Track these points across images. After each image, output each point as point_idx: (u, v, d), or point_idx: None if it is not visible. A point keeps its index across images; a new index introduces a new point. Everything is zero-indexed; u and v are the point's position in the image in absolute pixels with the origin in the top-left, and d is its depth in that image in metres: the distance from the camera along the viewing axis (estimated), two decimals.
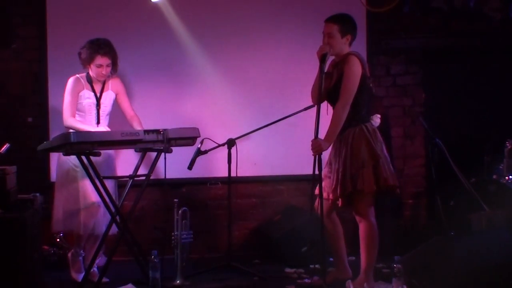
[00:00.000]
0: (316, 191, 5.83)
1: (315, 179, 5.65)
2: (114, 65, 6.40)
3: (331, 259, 6.23)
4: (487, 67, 7.89)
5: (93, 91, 6.40)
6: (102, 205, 6.11)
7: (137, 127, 6.41)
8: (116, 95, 6.52)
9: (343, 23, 5.78)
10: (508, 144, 6.91)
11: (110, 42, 6.38)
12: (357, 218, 5.88)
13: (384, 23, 7.65)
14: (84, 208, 6.25)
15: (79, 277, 6.31)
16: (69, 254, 6.50)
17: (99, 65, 6.30)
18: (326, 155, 5.94)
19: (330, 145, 5.68)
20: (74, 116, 6.33)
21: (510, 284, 5.65)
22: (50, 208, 6.47)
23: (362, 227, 5.86)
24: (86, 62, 6.34)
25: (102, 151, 6.14)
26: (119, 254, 6.44)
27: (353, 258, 6.53)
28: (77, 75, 6.40)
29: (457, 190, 6.86)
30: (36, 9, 7.23)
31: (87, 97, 6.38)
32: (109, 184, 6.34)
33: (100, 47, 6.29)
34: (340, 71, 5.75)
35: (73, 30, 7.12)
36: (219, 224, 7.45)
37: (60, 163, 6.36)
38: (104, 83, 6.46)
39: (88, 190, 6.14)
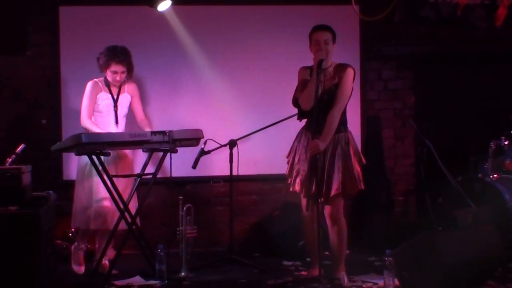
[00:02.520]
0: (297, 189, 5.90)
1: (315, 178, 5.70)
2: (129, 72, 6.42)
3: (327, 252, 6.23)
4: (473, 72, 7.90)
5: (111, 93, 6.42)
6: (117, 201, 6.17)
7: (146, 129, 6.43)
8: (131, 97, 6.55)
9: (334, 32, 5.84)
10: (492, 145, 6.93)
11: (126, 50, 6.40)
12: (335, 217, 5.86)
13: (376, 31, 7.66)
14: (95, 204, 6.28)
15: (79, 269, 6.38)
16: (73, 247, 6.53)
17: (114, 72, 6.32)
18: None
19: (326, 145, 5.69)
20: (90, 118, 6.36)
21: (493, 276, 5.69)
22: (68, 205, 6.49)
23: (340, 226, 5.88)
24: (103, 67, 6.36)
25: (120, 151, 6.26)
26: (127, 248, 6.45)
27: (347, 251, 6.54)
28: (95, 79, 6.43)
29: (445, 188, 6.88)
30: (50, 18, 7.24)
31: (105, 99, 6.40)
32: (129, 182, 6.41)
33: (116, 55, 6.31)
34: (335, 78, 5.77)
35: (84, 37, 7.14)
36: (222, 219, 7.46)
37: (80, 160, 6.37)
38: (120, 86, 6.48)
39: (100, 187, 6.15)
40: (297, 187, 5.92)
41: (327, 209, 5.86)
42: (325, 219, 5.91)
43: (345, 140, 5.81)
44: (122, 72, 6.36)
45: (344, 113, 5.84)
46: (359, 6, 7.20)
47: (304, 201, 5.90)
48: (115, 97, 6.43)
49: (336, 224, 5.87)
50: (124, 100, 6.51)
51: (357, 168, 5.81)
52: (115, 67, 6.32)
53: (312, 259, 6.06)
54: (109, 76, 6.37)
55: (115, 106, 6.43)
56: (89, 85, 6.42)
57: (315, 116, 5.61)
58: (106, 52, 6.34)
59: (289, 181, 6.02)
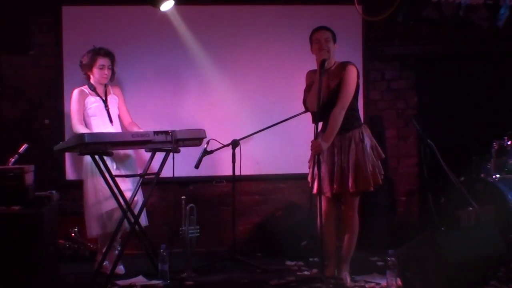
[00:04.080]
0: (315, 190, 5.85)
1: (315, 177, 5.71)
2: (113, 67, 6.45)
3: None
4: (475, 72, 7.90)
5: (98, 95, 6.43)
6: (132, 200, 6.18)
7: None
8: (118, 99, 6.57)
9: (333, 32, 5.84)
10: (495, 145, 6.93)
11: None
12: (350, 212, 5.87)
13: (379, 31, 7.67)
14: (104, 206, 6.28)
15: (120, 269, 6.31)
16: (106, 263, 6.37)
17: (102, 66, 6.35)
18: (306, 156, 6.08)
19: (328, 145, 5.69)
20: (82, 123, 6.35)
21: (496, 276, 5.68)
22: (71, 205, 6.49)
23: (355, 221, 5.88)
24: (88, 67, 6.38)
25: (123, 151, 6.24)
26: (130, 248, 6.46)
27: None
28: (80, 87, 6.44)
29: (447, 188, 6.87)
30: (53, 18, 7.26)
31: (94, 102, 6.40)
32: (131, 182, 6.38)
33: (100, 49, 6.39)
34: (337, 78, 5.76)
35: (87, 37, 7.11)
36: (224, 219, 7.46)
37: (84, 159, 6.38)
38: (106, 88, 6.50)
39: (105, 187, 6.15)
40: (314, 189, 5.91)
41: (345, 212, 5.89)
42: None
43: (359, 136, 5.80)
44: (109, 67, 6.40)
45: (356, 110, 5.85)
46: (362, 6, 7.16)
47: (323, 202, 5.87)
48: (103, 97, 6.44)
49: (349, 221, 5.86)
50: (113, 100, 6.53)
51: (373, 163, 5.80)
52: (102, 61, 6.35)
53: (327, 258, 6.00)
54: (96, 74, 6.38)
55: (106, 105, 6.43)
56: (75, 93, 6.41)
57: (318, 117, 5.61)
58: (88, 51, 6.41)
59: (310, 185, 6.00)
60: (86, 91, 6.42)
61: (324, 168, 5.83)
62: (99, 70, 6.37)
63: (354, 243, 5.92)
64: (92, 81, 6.43)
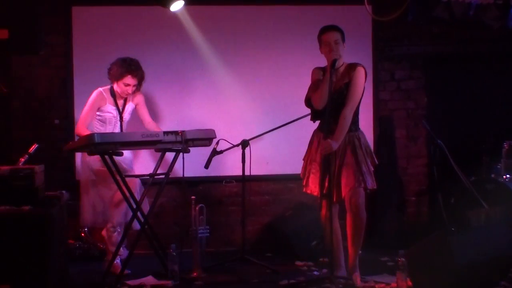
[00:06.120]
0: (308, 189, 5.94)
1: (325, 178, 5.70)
2: (139, 85, 6.43)
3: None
4: (485, 72, 7.88)
5: (116, 105, 6.41)
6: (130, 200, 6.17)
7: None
8: (135, 105, 6.56)
9: (342, 32, 5.83)
10: (505, 145, 6.91)
11: (139, 63, 6.40)
12: (358, 209, 5.75)
13: (389, 31, 7.66)
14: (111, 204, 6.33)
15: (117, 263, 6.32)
16: (103, 232, 6.51)
17: (127, 84, 6.31)
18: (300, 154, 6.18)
19: (338, 145, 5.68)
20: (86, 127, 6.34)
21: (506, 276, 5.66)
22: (77, 205, 6.51)
23: (362, 220, 5.78)
24: (114, 78, 6.34)
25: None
26: (140, 248, 6.46)
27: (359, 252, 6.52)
28: (101, 89, 6.41)
29: (457, 188, 6.86)
30: (63, 18, 7.27)
31: (110, 111, 6.39)
32: (136, 182, 6.42)
33: (132, 68, 6.31)
34: (345, 78, 5.76)
35: (97, 38, 7.17)
36: (234, 219, 7.46)
37: (82, 164, 6.42)
38: (126, 97, 6.48)
39: (112, 188, 6.17)
40: (308, 188, 5.94)
41: (349, 202, 5.78)
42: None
43: (356, 139, 5.79)
44: (134, 86, 6.35)
45: (356, 113, 5.83)
46: (371, 6, 7.18)
47: (322, 201, 5.86)
48: (120, 108, 6.44)
49: (358, 217, 5.77)
50: (129, 110, 6.54)
51: (369, 166, 5.80)
52: (129, 80, 6.31)
53: (333, 259, 5.98)
54: (120, 87, 6.35)
55: (120, 118, 6.43)
56: (94, 95, 6.40)
57: (327, 116, 5.60)
58: (121, 63, 6.33)
59: (303, 183, 6.03)
60: (105, 95, 6.39)
61: (315, 168, 5.83)
62: (123, 86, 6.34)
63: (361, 238, 5.83)
64: (115, 87, 6.42)
